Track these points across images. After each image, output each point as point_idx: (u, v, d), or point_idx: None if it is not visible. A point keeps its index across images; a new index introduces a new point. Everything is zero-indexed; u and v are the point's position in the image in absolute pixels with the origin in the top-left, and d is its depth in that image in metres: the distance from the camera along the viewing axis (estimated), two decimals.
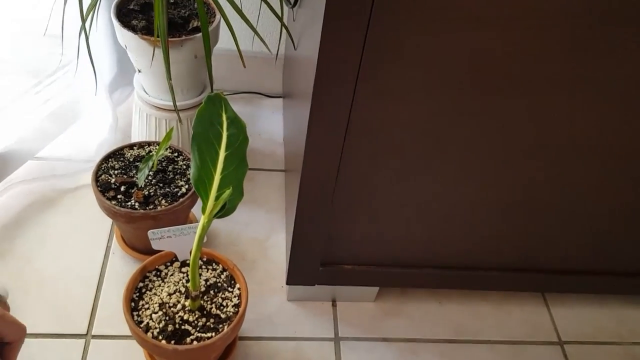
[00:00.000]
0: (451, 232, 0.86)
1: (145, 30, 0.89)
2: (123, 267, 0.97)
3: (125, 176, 0.91)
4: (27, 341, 0.62)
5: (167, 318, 0.75)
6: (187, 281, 0.79)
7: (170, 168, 0.93)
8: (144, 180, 0.89)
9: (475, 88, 0.66)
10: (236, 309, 0.78)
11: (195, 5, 0.86)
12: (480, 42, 0.62)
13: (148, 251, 0.80)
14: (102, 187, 0.89)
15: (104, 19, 1.04)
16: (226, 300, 0.79)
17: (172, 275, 0.81)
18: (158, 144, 0.96)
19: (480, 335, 0.98)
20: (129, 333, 0.77)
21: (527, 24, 0.60)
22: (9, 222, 1.00)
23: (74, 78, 1.07)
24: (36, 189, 1.05)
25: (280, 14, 0.89)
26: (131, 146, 0.96)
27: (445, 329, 0.98)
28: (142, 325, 0.74)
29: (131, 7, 0.94)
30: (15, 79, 1.04)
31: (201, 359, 0.78)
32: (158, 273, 0.81)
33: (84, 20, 0.79)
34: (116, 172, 0.91)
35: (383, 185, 0.77)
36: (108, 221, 1.02)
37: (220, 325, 0.76)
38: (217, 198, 0.68)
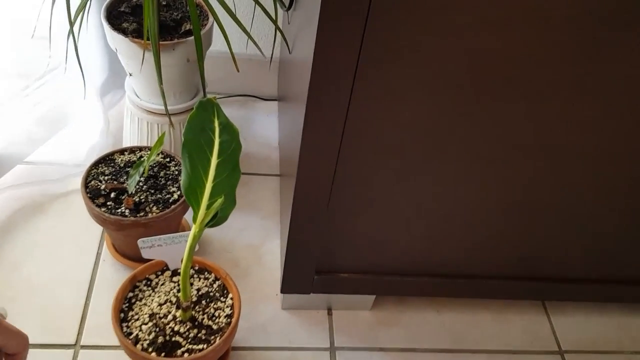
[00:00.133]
0: (449, 240, 0.84)
1: (136, 34, 0.87)
2: (114, 275, 0.94)
3: (115, 182, 0.88)
4: None
5: (157, 329, 0.73)
6: (179, 291, 0.77)
7: (162, 174, 0.91)
8: (135, 187, 0.87)
9: (475, 90, 0.65)
10: (229, 320, 0.76)
11: (188, 8, 0.84)
12: (480, 43, 0.60)
13: (139, 259, 0.77)
14: (92, 193, 0.86)
15: (95, 20, 1.02)
16: (218, 311, 0.77)
17: (162, 284, 0.79)
18: (150, 149, 0.94)
19: (479, 345, 0.96)
20: (119, 343, 0.75)
21: (527, 26, 0.59)
22: None
23: (63, 81, 1.05)
24: (25, 194, 1.03)
25: (274, 17, 0.86)
26: (122, 151, 0.94)
27: (443, 338, 0.96)
28: (131, 337, 0.72)
29: (122, 9, 0.92)
30: (3, 81, 1.01)
31: None
32: (148, 282, 0.79)
33: (71, 24, 0.77)
34: (106, 178, 0.89)
35: (380, 191, 0.76)
36: (99, 227, 1.00)
37: (212, 337, 0.74)
38: (208, 207, 0.66)
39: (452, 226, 0.82)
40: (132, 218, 0.83)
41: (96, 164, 0.91)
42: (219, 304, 0.77)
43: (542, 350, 0.97)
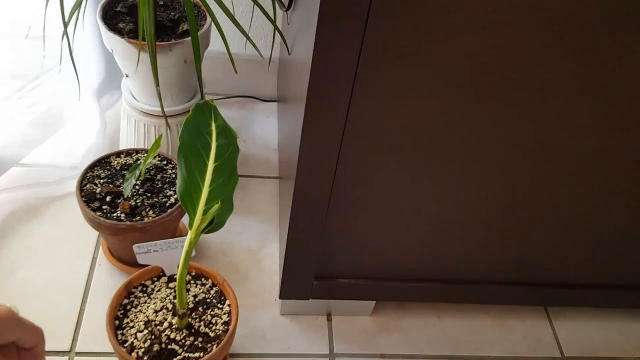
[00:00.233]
0: (450, 245, 0.83)
1: (133, 34, 0.85)
2: (109, 280, 0.93)
3: (111, 185, 0.87)
4: None
5: (152, 337, 0.72)
6: (175, 297, 0.75)
7: (158, 177, 0.90)
8: (131, 190, 0.86)
9: (476, 91, 0.63)
10: (226, 327, 0.74)
11: (185, 8, 0.83)
12: (481, 44, 0.59)
13: (135, 264, 0.76)
14: (87, 197, 0.85)
15: (91, 20, 1.00)
16: (215, 318, 0.75)
17: (158, 291, 0.77)
18: (146, 151, 0.93)
19: (480, 351, 0.94)
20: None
21: (528, 26, 0.58)
22: None
23: (59, 82, 1.03)
24: (20, 197, 1.01)
25: (273, 17, 0.85)
26: (118, 154, 0.92)
27: (444, 344, 0.95)
28: (126, 345, 0.71)
29: (118, 9, 0.91)
30: None
31: None
32: (144, 289, 0.77)
33: (65, 24, 0.75)
34: (102, 181, 0.87)
35: (381, 194, 0.74)
36: (94, 231, 0.98)
37: (209, 345, 0.72)
38: (205, 212, 0.64)
39: (453, 230, 0.80)
40: (128, 222, 0.82)
41: (92, 167, 0.89)
42: (216, 310, 0.76)
43: (545, 356, 0.96)
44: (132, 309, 0.75)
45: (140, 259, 0.75)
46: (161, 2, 0.93)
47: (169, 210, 0.84)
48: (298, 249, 0.80)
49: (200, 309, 0.76)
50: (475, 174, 0.73)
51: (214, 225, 0.65)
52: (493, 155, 0.70)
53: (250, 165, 1.18)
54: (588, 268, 0.89)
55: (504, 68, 0.61)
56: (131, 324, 0.73)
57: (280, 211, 1.02)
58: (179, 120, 0.97)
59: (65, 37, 0.78)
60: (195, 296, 0.77)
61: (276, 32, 0.86)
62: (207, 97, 1.28)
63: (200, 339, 0.73)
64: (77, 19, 0.81)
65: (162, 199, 0.86)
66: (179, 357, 0.70)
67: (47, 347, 0.79)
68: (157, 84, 0.78)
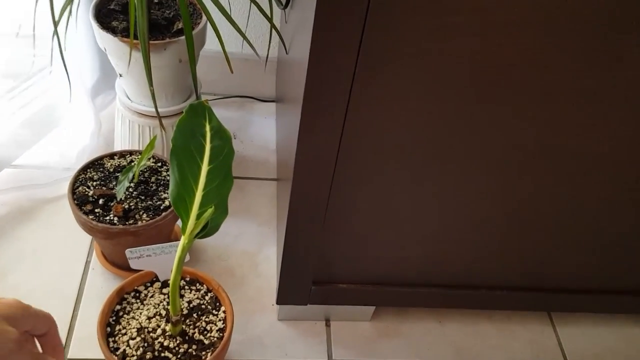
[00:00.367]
0: (451, 249, 0.81)
1: (126, 32, 0.83)
2: (103, 284, 0.91)
3: (104, 188, 0.85)
4: None
5: (145, 344, 0.70)
6: (169, 303, 0.73)
7: (153, 179, 0.87)
8: (124, 193, 0.84)
9: (477, 93, 0.62)
10: (221, 334, 0.72)
11: (179, 6, 0.80)
12: (482, 45, 0.57)
13: (129, 268, 0.74)
14: (79, 199, 0.83)
15: (85, 18, 0.98)
16: (210, 325, 0.73)
17: (152, 296, 0.75)
18: (141, 153, 0.90)
19: (482, 357, 0.92)
20: None
21: (530, 27, 0.56)
22: None
23: (52, 82, 1.01)
24: (12, 199, 0.99)
25: (270, 15, 0.83)
26: (112, 155, 0.90)
27: (445, 350, 0.92)
28: (118, 353, 0.69)
29: (111, 7, 0.89)
30: None
31: None
32: (137, 294, 0.75)
33: (55, 24, 0.73)
34: (95, 183, 0.85)
35: (380, 198, 0.72)
36: (88, 235, 0.96)
37: (204, 353, 0.70)
38: (198, 217, 0.62)
39: (454, 234, 0.79)
40: (121, 226, 0.80)
41: (84, 169, 0.87)
42: (211, 317, 0.74)
43: None
44: (125, 316, 0.73)
45: (133, 264, 0.73)
46: (156, 0, 0.91)
47: (164, 214, 0.82)
48: (295, 253, 0.78)
49: (194, 315, 0.74)
50: (476, 177, 0.71)
51: (207, 230, 0.63)
52: (494, 158, 0.69)
53: (248, 167, 1.16)
54: (592, 273, 0.88)
55: (504, 68, 0.59)
56: (123, 331, 0.71)
57: (278, 214, 1.00)
58: (174, 121, 0.95)
59: (55, 36, 0.75)
60: (189, 302, 0.75)
61: (273, 30, 0.84)
62: (204, 98, 1.27)
63: (194, 347, 0.71)
64: (68, 17, 0.79)
65: (156, 201, 0.84)
66: None
67: None
68: (151, 84, 0.76)
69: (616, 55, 0.59)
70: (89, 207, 0.82)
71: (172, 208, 0.83)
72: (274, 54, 1.22)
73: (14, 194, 0.99)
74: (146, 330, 0.71)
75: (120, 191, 0.81)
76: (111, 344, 0.70)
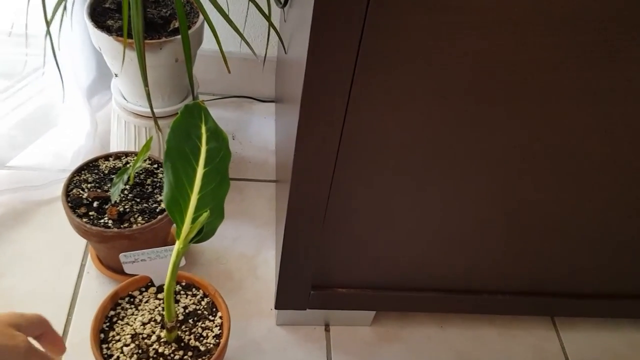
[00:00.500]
0: (452, 254, 0.79)
1: (122, 32, 0.81)
2: (98, 288, 0.89)
3: (99, 190, 0.83)
4: None
5: (140, 351, 0.68)
6: (164, 309, 0.72)
7: (149, 181, 0.86)
8: (119, 195, 0.82)
9: (479, 95, 0.60)
10: (217, 340, 0.71)
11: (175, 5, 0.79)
12: (485, 46, 0.56)
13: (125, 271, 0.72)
14: (73, 202, 0.81)
15: (81, 17, 0.96)
16: (206, 331, 0.71)
17: (147, 302, 0.73)
18: (137, 154, 0.89)
19: None
20: None
21: (534, 28, 0.54)
22: None
23: (47, 82, 0.99)
24: (6, 201, 0.97)
25: (268, 14, 0.81)
26: (107, 157, 0.88)
27: (446, 355, 0.91)
28: None
29: (107, 5, 0.87)
30: None
31: None
32: (131, 300, 0.74)
33: (48, 23, 0.71)
34: (89, 185, 0.84)
35: (381, 201, 0.71)
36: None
37: (200, 359, 0.68)
38: (194, 221, 0.61)
39: (456, 238, 0.77)
40: (115, 229, 0.78)
41: (79, 171, 0.86)
42: (207, 323, 0.72)
43: None
44: (119, 321, 0.71)
45: (127, 269, 0.71)
46: None
47: (159, 217, 0.80)
48: (294, 257, 0.76)
49: (190, 321, 0.72)
50: (477, 178, 0.69)
51: (203, 234, 0.62)
52: (496, 159, 0.67)
53: (247, 168, 1.14)
54: (595, 277, 0.86)
55: (506, 68, 0.58)
56: (117, 338, 0.70)
57: (277, 216, 0.98)
58: (171, 121, 0.93)
59: (48, 36, 0.74)
60: (185, 307, 0.73)
61: (272, 29, 0.82)
62: (202, 98, 1.25)
63: (190, 353, 0.69)
64: (62, 16, 0.77)
65: (152, 204, 0.83)
66: None
67: None
68: (146, 84, 0.74)
69: (620, 55, 0.57)
70: (83, 209, 0.80)
71: None
72: (273, 54, 1.20)
73: (8, 195, 0.97)
74: (141, 336, 0.70)
75: (115, 193, 0.80)
76: (105, 351, 0.68)
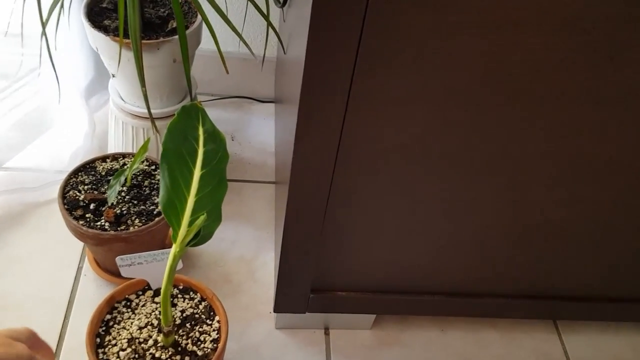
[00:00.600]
0: (454, 255, 0.78)
1: (119, 32, 0.80)
2: (95, 291, 0.88)
3: (95, 192, 0.82)
4: None
5: (136, 356, 0.67)
6: (161, 313, 0.71)
7: (146, 183, 0.85)
8: (116, 197, 0.81)
9: (484, 96, 0.59)
10: (215, 345, 0.70)
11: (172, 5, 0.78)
12: (488, 47, 0.55)
13: None
14: (70, 204, 0.80)
15: (78, 16, 0.95)
16: (204, 335, 0.70)
17: (143, 305, 0.72)
18: (134, 155, 0.88)
19: None
20: None
21: (539, 26, 0.53)
22: None
23: (45, 82, 0.98)
24: (2, 202, 0.96)
25: (266, 13, 0.80)
26: (104, 158, 0.87)
27: (448, 359, 0.89)
28: None
29: (104, 5, 0.86)
30: None
31: None
32: (128, 303, 0.73)
33: (43, 24, 0.70)
34: (86, 187, 0.83)
35: (382, 202, 0.70)
36: None
37: None
38: (191, 224, 0.60)
39: (457, 241, 0.76)
40: (112, 232, 0.77)
41: (75, 172, 0.85)
42: (204, 327, 0.71)
43: None
44: (115, 326, 0.70)
45: (124, 272, 0.70)
46: None
47: (156, 219, 0.79)
48: (293, 260, 0.75)
49: (187, 325, 0.71)
50: (480, 183, 0.69)
51: (200, 237, 0.60)
52: (498, 163, 0.66)
53: (246, 170, 1.13)
54: (598, 280, 0.85)
55: (510, 69, 0.57)
56: (113, 342, 0.68)
57: (276, 218, 0.97)
58: (169, 122, 0.92)
59: (44, 37, 0.73)
60: (182, 311, 0.72)
61: (270, 29, 0.81)
62: (201, 98, 1.24)
63: (187, 358, 0.68)
64: (59, 16, 0.76)
65: (149, 206, 0.82)
66: None
67: None
68: (143, 85, 0.73)
69: (626, 56, 0.56)
70: (79, 212, 0.79)
71: None
72: (273, 54, 1.19)
73: (5, 197, 0.96)
74: (137, 341, 0.69)
75: (111, 195, 0.79)
76: (101, 356, 0.67)
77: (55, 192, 0.98)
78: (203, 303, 0.73)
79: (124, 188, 0.83)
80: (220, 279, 0.93)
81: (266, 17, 0.80)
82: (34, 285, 0.88)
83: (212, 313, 0.73)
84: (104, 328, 0.70)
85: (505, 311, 0.88)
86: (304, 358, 0.86)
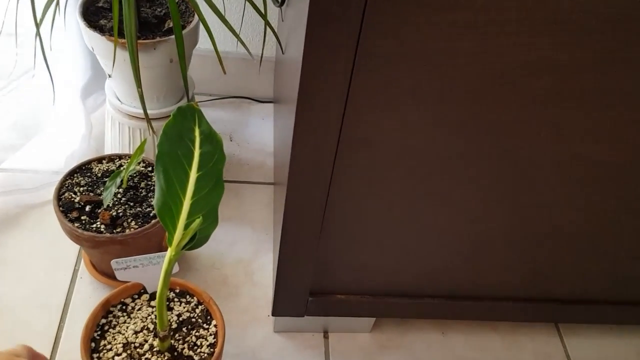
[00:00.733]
0: (455, 258, 0.77)
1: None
2: (91, 294, 0.87)
3: (91, 194, 0.81)
4: None
5: None
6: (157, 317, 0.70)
7: (142, 185, 0.84)
8: (112, 199, 0.80)
9: (486, 98, 0.58)
10: (212, 350, 0.68)
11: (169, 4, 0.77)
12: (491, 47, 0.53)
13: None
14: (65, 206, 0.79)
15: (74, 16, 0.94)
16: (200, 339, 0.69)
17: (139, 309, 0.71)
18: (130, 157, 0.86)
19: None
20: None
21: (544, 27, 0.52)
22: None
23: (41, 82, 0.97)
24: None
25: (264, 12, 0.79)
26: (100, 159, 0.86)
27: None
28: None
29: (100, 4, 0.85)
30: None
31: None
32: (124, 307, 0.71)
33: (37, 24, 0.69)
34: (82, 189, 0.82)
35: (380, 204, 0.69)
36: None
37: None
38: (186, 227, 0.59)
39: (458, 244, 0.75)
40: (108, 234, 0.76)
41: (71, 174, 0.83)
42: (201, 331, 0.70)
43: None
44: (110, 330, 0.69)
45: (119, 276, 0.69)
46: None
47: (153, 221, 0.78)
48: (291, 262, 0.74)
49: (184, 329, 0.70)
50: (482, 184, 0.67)
51: (196, 241, 0.59)
52: (500, 164, 0.65)
53: (244, 171, 1.12)
54: (601, 283, 0.84)
55: (511, 70, 0.56)
56: (108, 347, 0.67)
57: (275, 220, 0.96)
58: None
59: (38, 37, 0.72)
60: (179, 315, 0.71)
61: (268, 29, 0.80)
62: (199, 98, 1.23)
63: None
64: (54, 15, 0.75)
65: (145, 208, 0.80)
66: None
67: None
68: (139, 85, 0.72)
69: (628, 56, 0.55)
70: (75, 214, 0.78)
71: None
72: (272, 54, 1.18)
73: (0, 199, 0.95)
74: (133, 345, 0.67)
75: (107, 197, 0.78)
76: None
77: (51, 193, 0.97)
78: (200, 307, 0.72)
79: (120, 190, 0.82)
80: (217, 282, 0.92)
81: (264, 16, 0.78)
82: (29, 287, 0.87)
83: (209, 317, 0.72)
84: (99, 332, 0.69)
85: (506, 314, 0.87)
86: None
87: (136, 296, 0.73)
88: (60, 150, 1.00)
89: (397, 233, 0.72)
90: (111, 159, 0.87)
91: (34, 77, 0.90)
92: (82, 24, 0.80)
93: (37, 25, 0.70)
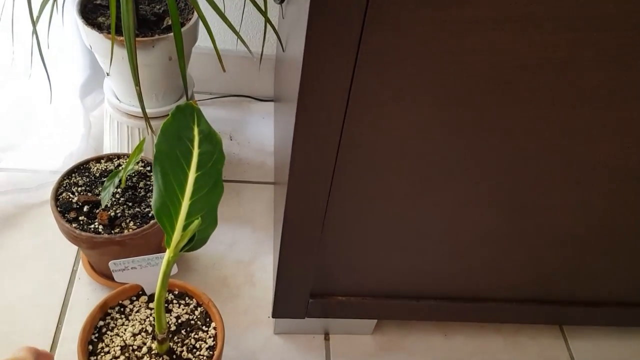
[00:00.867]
0: (457, 260, 0.76)
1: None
2: (90, 295, 0.86)
3: (89, 194, 0.80)
4: None
5: None
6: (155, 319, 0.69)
7: (141, 184, 0.82)
8: (110, 199, 0.79)
9: (491, 97, 0.57)
10: (211, 353, 0.68)
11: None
12: (498, 44, 0.52)
13: None
14: (63, 206, 0.78)
15: (72, 13, 0.93)
16: (200, 342, 0.68)
17: (137, 311, 0.70)
18: (129, 156, 0.85)
19: None
20: None
21: (553, 24, 0.51)
22: None
23: (39, 81, 0.96)
24: None
25: (264, 9, 0.78)
26: (98, 159, 0.85)
27: None
28: None
29: (98, 1, 0.84)
30: None
31: None
32: (122, 309, 0.70)
33: (34, 23, 0.68)
34: (80, 189, 0.80)
35: (382, 206, 0.68)
36: None
37: None
38: (185, 228, 0.57)
39: (460, 245, 0.74)
40: (106, 235, 0.75)
41: (69, 174, 0.82)
42: (200, 333, 0.69)
43: None
44: (108, 332, 0.68)
45: (117, 277, 0.68)
46: None
47: (152, 222, 0.77)
48: (292, 263, 0.73)
49: (183, 331, 0.69)
50: (483, 184, 0.66)
51: (194, 242, 0.58)
52: (503, 164, 0.64)
53: (244, 170, 1.11)
54: (606, 285, 0.83)
55: (515, 68, 0.54)
56: (106, 349, 0.66)
57: (276, 220, 0.95)
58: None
59: (35, 35, 0.70)
60: (177, 317, 0.70)
61: (269, 26, 0.79)
62: (198, 97, 1.22)
63: None
64: (51, 13, 0.74)
65: (144, 208, 0.79)
66: None
67: None
68: (137, 84, 0.71)
69: (635, 56, 0.54)
70: (72, 214, 0.77)
71: None
72: (272, 52, 1.17)
73: None
74: (131, 348, 0.66)
75: (105, 198, 0.77)
76: None
77: (49, 193, 0.95)
78: (199, 309, 0.71)
79: (119, 190, 0.81)
80: (217, 283, 0.91)
81: (264, 13, 0.77)
82: (28, 288, 0.86)
83: (208, 319, 0.71)
84: (96, 335, 0.68)
85: (509, 316, 0.86)
86: None
87: (134, 298, 0.72)
88: (59, 149, 0.99)
89: (398, 234, 0.71)
90: (110, 158, 0.86)
91: (30, 77, 0.89)
92: (79, 22, 0.79)
93: (34, 23, 0.69)
